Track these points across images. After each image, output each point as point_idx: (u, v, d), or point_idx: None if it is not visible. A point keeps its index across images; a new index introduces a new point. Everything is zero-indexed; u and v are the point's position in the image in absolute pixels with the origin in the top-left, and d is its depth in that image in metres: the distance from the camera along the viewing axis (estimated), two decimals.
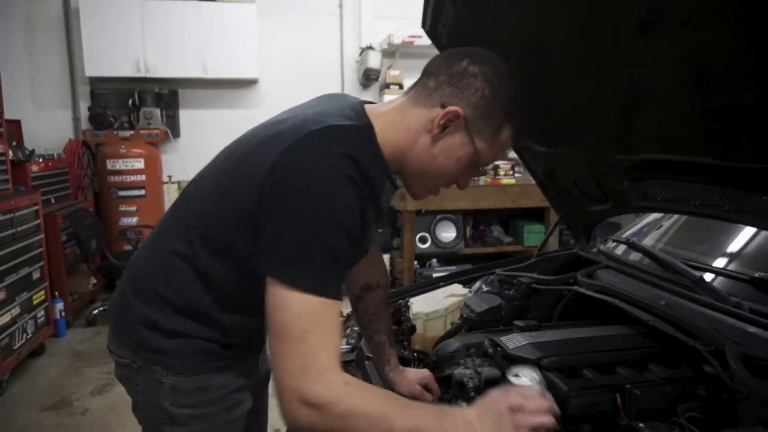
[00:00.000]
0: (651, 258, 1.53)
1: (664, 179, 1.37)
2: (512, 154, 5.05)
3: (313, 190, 0.84)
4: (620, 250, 1.73)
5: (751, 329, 1.09)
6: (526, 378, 0.95)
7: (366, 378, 1.29)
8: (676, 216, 1.78)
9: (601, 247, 1.78)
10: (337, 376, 0.85)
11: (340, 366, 0.86)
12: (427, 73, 0.98)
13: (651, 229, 1.82)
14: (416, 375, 1.27)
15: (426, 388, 1.26)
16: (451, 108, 0.92)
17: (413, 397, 1.22)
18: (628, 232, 1.85)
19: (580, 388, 1.06)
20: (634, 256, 1.65)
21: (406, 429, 0.83)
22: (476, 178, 4.31)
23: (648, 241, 1.72)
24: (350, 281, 1.29)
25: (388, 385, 1.27)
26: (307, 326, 0.83)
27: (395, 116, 0.99)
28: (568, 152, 1.53)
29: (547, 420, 0.87)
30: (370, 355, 1.31)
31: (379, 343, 1.28)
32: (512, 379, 0.95)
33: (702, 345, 1.04)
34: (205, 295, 1.00)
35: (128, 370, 1.07)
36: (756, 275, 1.24)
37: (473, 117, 0.93)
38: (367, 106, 1.01)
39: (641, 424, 0.91)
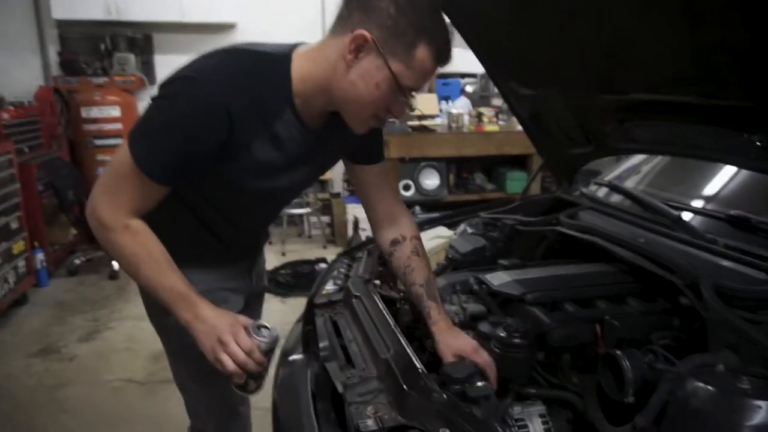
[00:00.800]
0: (631, 199, 1.57)
1: (649, 120, 1.38)
2: (496, 101, 5.03)
3: (183, 92, 0.96)
4: (602, 192, 1.77)
5: (725, 263, 1.14)
6: (263, 333, 1.01)
7: (354, 316, 1.32)
8: (655, 160, 1.81)
9: (583, 190, 1.81)
10: (124, 217, 1.01)
11: (133, 216, 1.02)
12: (343, 3, 1.00)
13: (630, 173, 1.85)
14: (456, 343, 1.11)
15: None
16: (357, 32, 0.94)
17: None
18: (608, 177, 1.88)
19: (561, 320, 1.11)
20: (615, 198, 1.68)
21: (146, 282, 1.03)
22: (463, 126, 4.30)
23: (628, 185, 1.75)
24: (380, 241, 1.30)
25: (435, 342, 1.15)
26: (124, 174, 0.99)
27: (316, 50, 1.04)
28: (553, 94, 1.53)
29: (230, 367, 0.97)
30: (357, 294, 1.34)
31: (417, 296, 1.21)
32: (250, 327, 1.01)
33: (678, 279, 1.08)
34: (170, 204, 1.09)
35: None
36: (731, 213, 1.28)
37: (382, 38, 0.94)
38: (303, 45, 1.07)
39: (618, 352, 0.95)
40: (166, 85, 0.99)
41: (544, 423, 1.00)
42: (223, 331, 0.98)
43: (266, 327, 1.03)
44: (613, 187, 1.70)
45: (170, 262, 1.04)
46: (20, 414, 2.45)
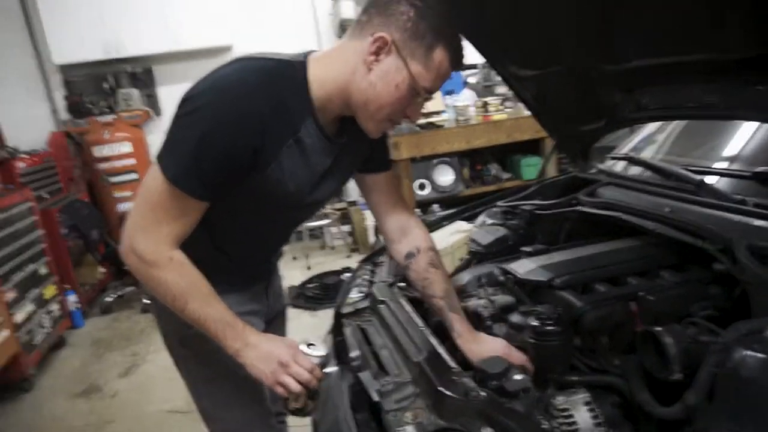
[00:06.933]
0: (650, 169, 1.53)
1: (656, 86, 1.34)
2: (500, 89, 4.97)
3: (212, 101, 0.94)
4: (619, 167, 1.72)
5: (757, 222, 1.09)
6: (316, 350, 1.05)
7: (382, 322, 1.30)
8: (669, 128, 1.76)
9: (600, 166, 1.77)
10: (167, 249, 0.99)
11: (175, 246, 1.01)
12: (362, 10, 1.03)
13: (645, 144, 1.81)
14: (484, 349, 1.11)
15: None
16: (378, 34, 0.97)
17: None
18: (623, 150, 1.84)
19: (593, 301, 1.07)
20: (633, 171, 1.64)
21: (193, 316, 1.01)
22: (465, 119, 4.26)
23: (645, 156, 1.70)
24: (394, 254, 1.28)
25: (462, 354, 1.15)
26: (160, 201, 0.98)
27: (333, 53, 1.05)
28: (555, 72, 1.49)
29: (296, 388, 1.01)
30: (383, 299, 1.32)
31: (439, 309, 1.19)
32: (302, 347, 1.04)
33: (710, 244, 1.04)
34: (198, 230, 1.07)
35: (150, 306, 1.24)
36: (757, 170, 1.23)
37: (402, 40, 0.97)
38: (315, 51, 1.07)
39: (657, 328, 0.91)
40: (189, 100, 0.96)
41: (590, 410, 0.95)
42: (281, 354, 1.01)
43: (313, 344, 1.06)
44: (631, 159, 1.66)
45: (213, 292, 1.03)
46: None
